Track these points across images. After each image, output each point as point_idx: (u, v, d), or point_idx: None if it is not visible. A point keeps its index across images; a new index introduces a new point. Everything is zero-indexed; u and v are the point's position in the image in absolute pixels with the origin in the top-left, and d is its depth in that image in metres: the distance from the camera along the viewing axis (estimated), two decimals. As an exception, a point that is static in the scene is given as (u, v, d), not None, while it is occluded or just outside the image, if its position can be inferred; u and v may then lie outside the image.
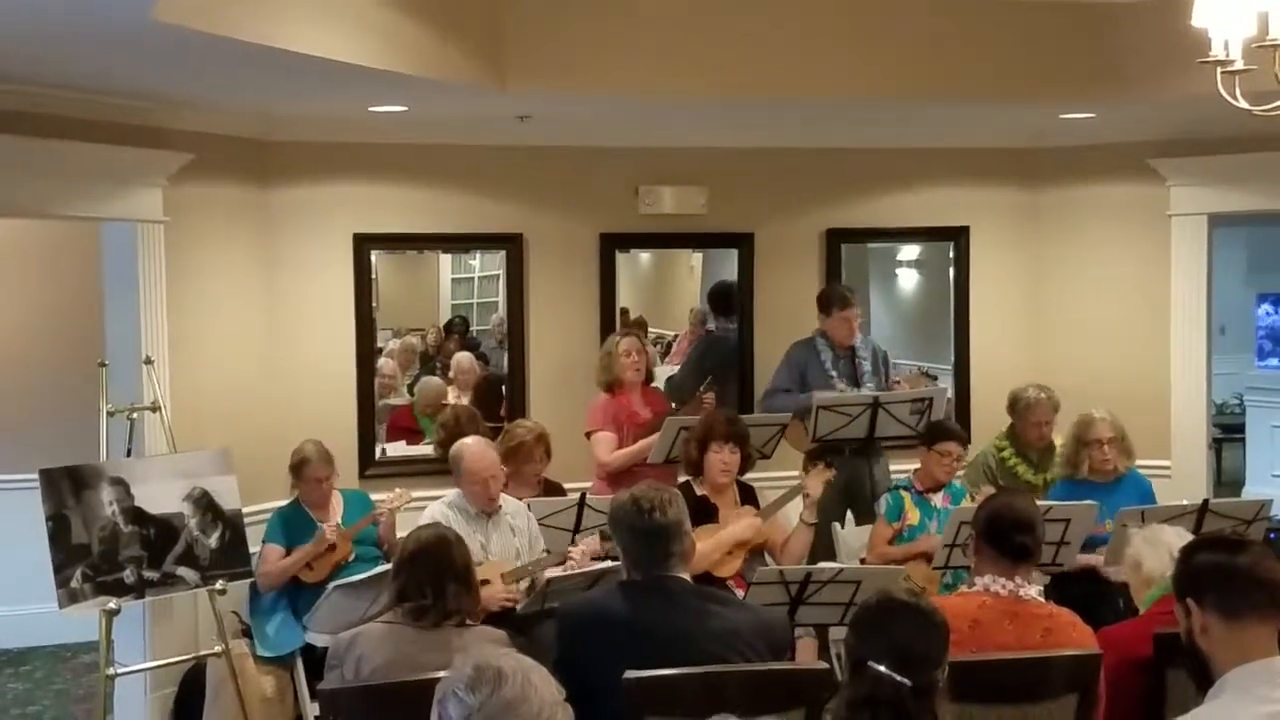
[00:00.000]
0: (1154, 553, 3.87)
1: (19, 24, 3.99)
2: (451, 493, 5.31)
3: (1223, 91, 3.91)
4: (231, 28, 4.13)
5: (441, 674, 2.31)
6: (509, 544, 5.22)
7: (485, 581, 4.67)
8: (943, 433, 5.85)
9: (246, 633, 5.68)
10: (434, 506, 5.26)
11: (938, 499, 5.73)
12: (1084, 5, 5.92)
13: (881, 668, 2.63)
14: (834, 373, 6.45)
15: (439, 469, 5.75)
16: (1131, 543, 4.02)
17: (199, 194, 6.02)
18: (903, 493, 5.76)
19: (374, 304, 6.88)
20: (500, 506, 5.28)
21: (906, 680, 2.62)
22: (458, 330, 8.73)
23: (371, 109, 5.88)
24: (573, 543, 5.29)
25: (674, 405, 6.62)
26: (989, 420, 6.79)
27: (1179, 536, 3.83)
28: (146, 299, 5.77)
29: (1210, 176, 7.07)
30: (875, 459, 6.38)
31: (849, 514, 6.31)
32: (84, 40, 4.24)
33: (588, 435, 6.30)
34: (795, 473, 6.03)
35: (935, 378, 7.38)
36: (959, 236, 7.53)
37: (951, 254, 7.60)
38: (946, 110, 6.40)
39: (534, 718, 2.14)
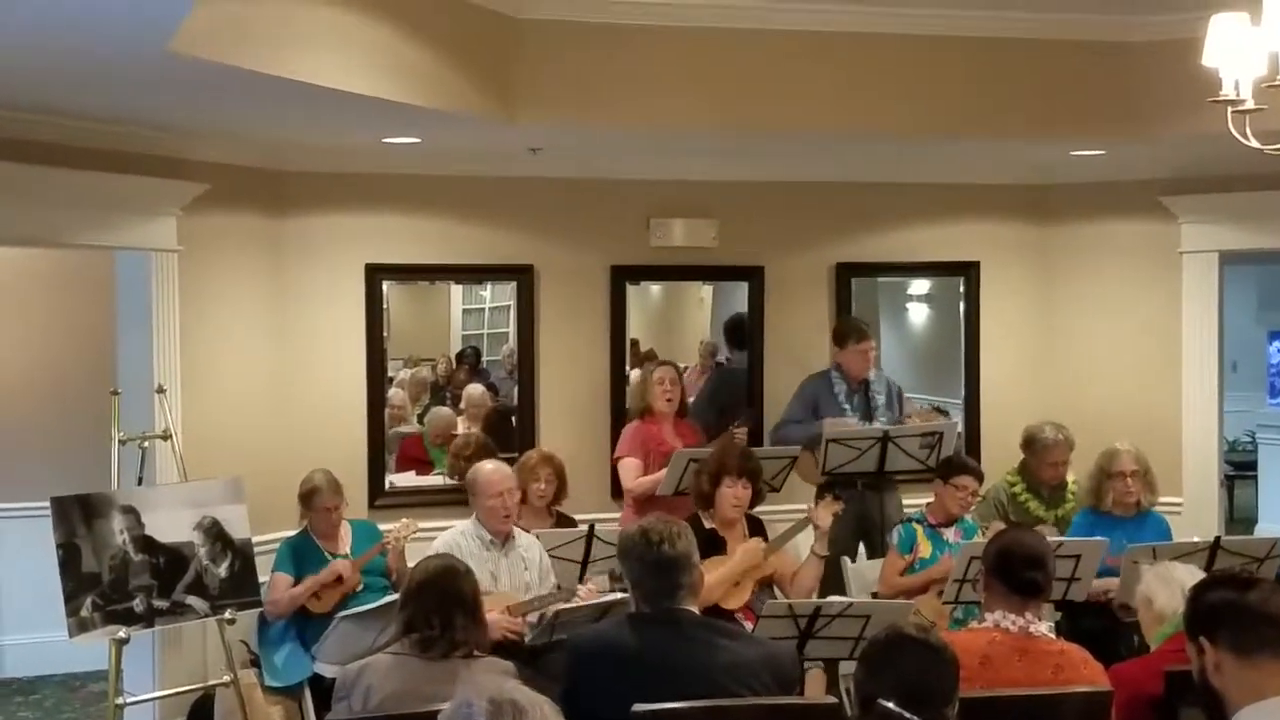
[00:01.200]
0: (1166, 590, 3.86)
1: (35, 55, 4.03)
2: (465, 521, 5.32)
3: (1233, 130, 3.93)
4: (246, 60, 4.16)
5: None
6: (519, 576, 5.22)
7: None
8: (959, 467, 5.85)
9: (255, 663, 5.66)
10: (446, 534, 5.26)
11: (950, 533, 5.72)
12: (1095, 44, 5.95)
13: (891, 704, 2.62)
14: (847, 406, 6.47)
15: (449, 499, 5.75)
16: (1143, 579, 4.01)
17: (213, 223, 6.05)
18: (915, 525, 5.76)
19: (385, 334, 6.90)
20: (514, 536, 5.28)
21: (916, 717, 2.61)
22: (468, 361, 8.75)
23: (385, 140, 5.92)
24: (582, 573, 5.29)
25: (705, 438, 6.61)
26: (1000, 455, 6.77)
27: (1191, 574, 3.82)
28: (159, 328, 5.81)
29: (1221, 214, 7.07)
30: (887, 493, 6.37)
31: (861, 547, 6.30)
32: (100, 71, 4.27)
33: (615, 461, 6.34)
34: (804, 505, 6.02)
35: (947, 413, 7.36)
36: (969, 271, 7.53)
37: (962, 289, 7.60)
38: (957, 146, 6.42)
39: None
